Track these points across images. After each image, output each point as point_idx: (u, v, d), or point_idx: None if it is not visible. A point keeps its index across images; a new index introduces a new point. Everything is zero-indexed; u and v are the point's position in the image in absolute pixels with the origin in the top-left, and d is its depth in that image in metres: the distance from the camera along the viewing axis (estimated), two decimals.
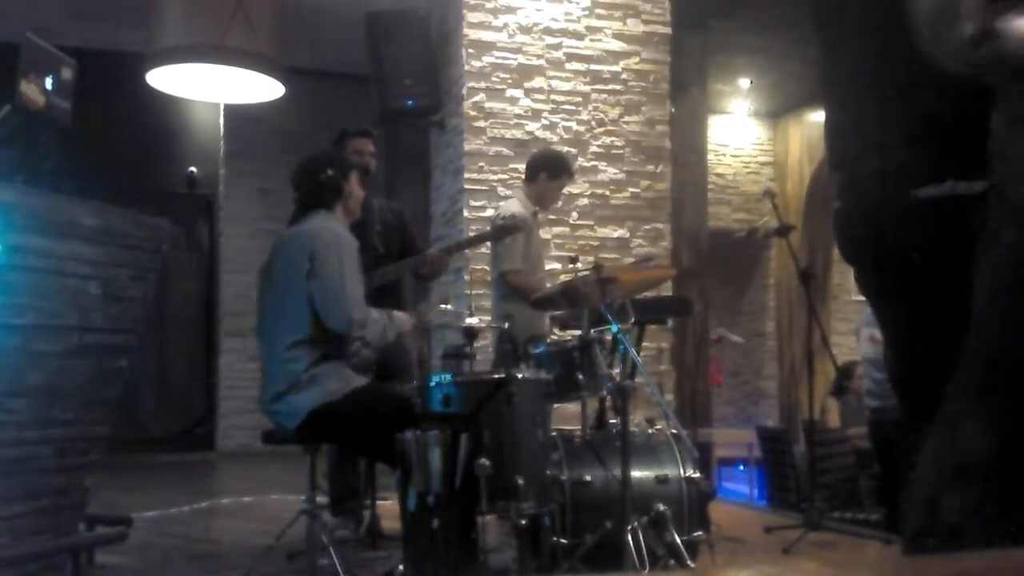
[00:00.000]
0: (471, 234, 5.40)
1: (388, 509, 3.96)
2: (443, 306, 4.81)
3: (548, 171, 4.54)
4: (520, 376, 2.87)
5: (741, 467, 8.79)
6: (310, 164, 3.43)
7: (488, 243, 4.50)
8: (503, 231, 4.12)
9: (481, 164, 5.97)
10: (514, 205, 4.51)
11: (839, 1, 1.80)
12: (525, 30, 6.10)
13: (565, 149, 5.90)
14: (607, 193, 6.20)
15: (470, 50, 6.00)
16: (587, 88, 6.21)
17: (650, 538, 2.97)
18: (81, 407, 2.71)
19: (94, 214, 2.65)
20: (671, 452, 3.26)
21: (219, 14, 5.21)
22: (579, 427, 3.53)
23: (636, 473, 3.07)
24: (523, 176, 4.70)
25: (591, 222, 6.17)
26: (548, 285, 4.28)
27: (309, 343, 3.16)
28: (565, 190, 4.88)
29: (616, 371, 3.39)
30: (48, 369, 2.56)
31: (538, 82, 6.11)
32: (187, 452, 8.75)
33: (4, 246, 2.36)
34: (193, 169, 9.23)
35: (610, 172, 6.22)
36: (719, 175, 10.46)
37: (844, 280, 10.00)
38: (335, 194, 3.38)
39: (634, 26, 6.34)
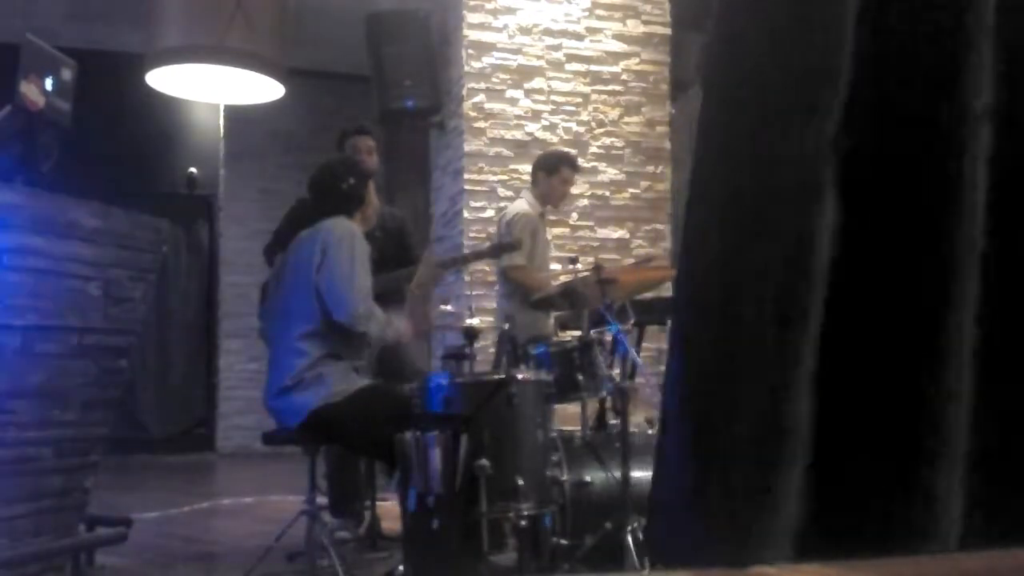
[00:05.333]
0: (469, 245, 5.41)
1: (388, 509, 3.95)
2: (443, 307, 4.80)
3: (544, 169, 4.66)
4: (520, 377, 2.87)
5: None
6: (333, 172, 3.46)
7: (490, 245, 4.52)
8: (501, 249, 4.13)
9: (481, 165, 5.97)
10: (521, 205, 4.62)
11: None
12: (525, 31, 6.10)
13: (565, 150, 5.90)
14: (607, 194, 6.20)
15: (470, 51, 6.00)
16: (587, 89, 6.21)
17: None
18: (81, 408, 2.71)
19: (94, 214, 2.66)
20: None
21: (219, 15, 5.20)
22: (579, 428, 3.53)
23: (636, 474, 3.07)
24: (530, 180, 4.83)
25: (591, 223, 6.17)
26: (551, 285, 4.28)
27: (318, 336, 3.16)
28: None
29: (616, 372, 3.39)
30: (48, 370, 2.57)
31: (538, 83, 6.11)
32: (187, 452, 8.75)
33: (4, 246, 2.36)
34: (193, 170, 9.22)
35: (610, 173, 6.22)
36: None
37: None
38: (357, 202, 3.43)
39: (634, 27, 6.34)
